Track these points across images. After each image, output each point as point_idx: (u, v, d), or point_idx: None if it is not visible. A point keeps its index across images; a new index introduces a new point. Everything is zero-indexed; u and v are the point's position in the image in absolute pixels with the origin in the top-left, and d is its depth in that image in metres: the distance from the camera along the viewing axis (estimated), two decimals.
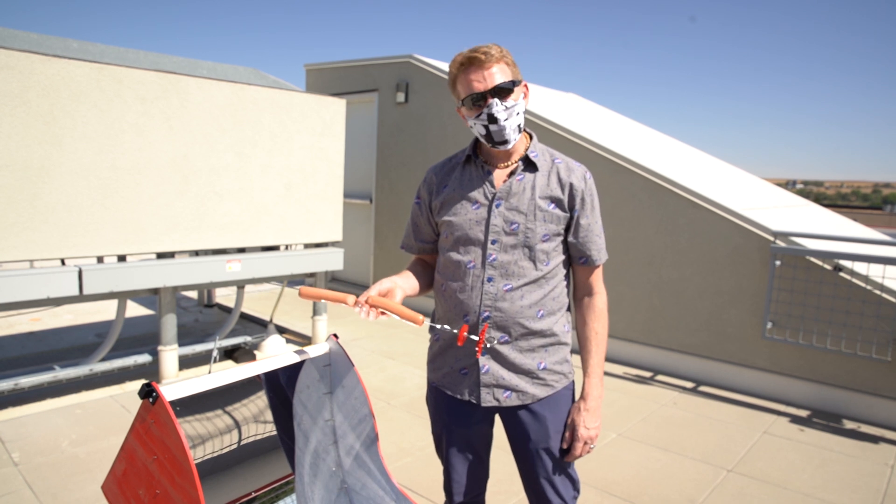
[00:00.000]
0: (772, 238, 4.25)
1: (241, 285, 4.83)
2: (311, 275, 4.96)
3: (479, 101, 1.60)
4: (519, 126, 1.65)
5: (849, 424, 3.93)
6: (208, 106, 3.98)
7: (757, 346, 4.37)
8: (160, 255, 4.03)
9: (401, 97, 6.55)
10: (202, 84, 3.94)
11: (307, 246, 4.84)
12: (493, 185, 1.69)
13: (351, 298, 1.57)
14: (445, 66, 6.38)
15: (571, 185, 1.68)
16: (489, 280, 1.66)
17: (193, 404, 1.68)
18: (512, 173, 1.69)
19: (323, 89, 7.21)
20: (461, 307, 1.69)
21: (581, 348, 1.78)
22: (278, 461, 1.92)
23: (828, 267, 4.05)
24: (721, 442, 3.62)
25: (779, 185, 7.53)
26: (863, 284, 3.93)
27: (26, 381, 3.67)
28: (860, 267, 3.99)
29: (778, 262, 4.18)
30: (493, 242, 1.66)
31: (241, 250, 4.45)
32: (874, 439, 3.72)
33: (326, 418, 1.87)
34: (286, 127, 4.43)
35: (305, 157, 4.59)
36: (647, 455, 3.43)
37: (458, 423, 1.81)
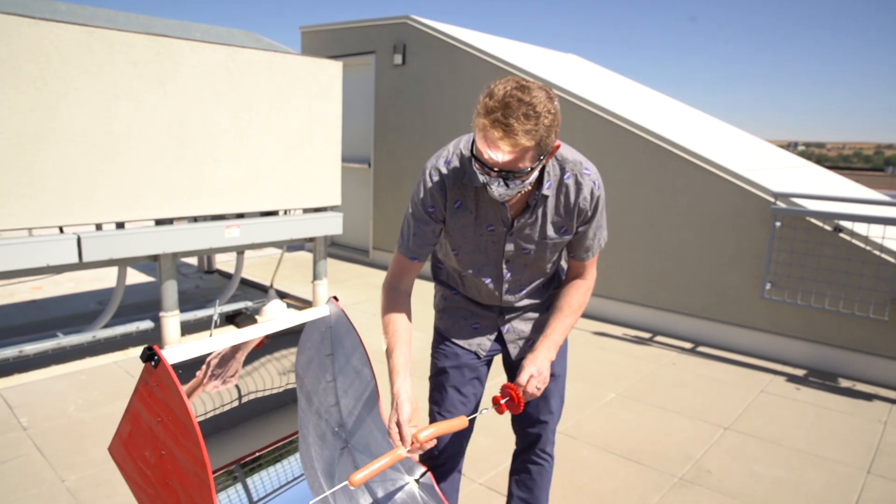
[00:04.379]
0: (772, 199, 4.24)
1: (240, 251, 4.83)
2: (311, 239, 4.96)
3: (485, 165, 1.43)
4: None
5: (844, 383, 3.98)
6: (203, 70, 3.92)
7: (756, 306, 4.39)
8: (159, 222, 4.02)
9: (398, 59, 6.45)
10: (196, 47, 3.87)
11: (306, 211, 4.83)
12: (507, 214, 1.65)
13: (403, 451, 1.52)
14: (443, 28, 6.26)
15: (579, 208, 1.66)
16: (506, 292, 1.81)
17: (196, 369, 1.69)
18: (526, 206, 1.63)
19: (319, 52, 7.09)
20: (478, 298, 1.86)
21: (551, 314, 1.79)
22: (282, 421, 1.94)
23: (828, 228, 4.05)
24: (718, 401, 3.67)
25: (780, 147, 7.47)
26: (862, 245, 3.93)
27: (30, 348, 3.70)
28: (860, 228, 3.98)
29: (778, 224, 4.17)
30: (507, 262, 1.75)
31: (240, 216, 4.44)
32: (868, 397, 3.77)
33: (328, 380, 1.89)
34: (282, 90, 4.37)
35: (303, 121, 4.54)
36: (645, 414, 3.48)
37: (457, 368, 1.90)
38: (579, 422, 3.35)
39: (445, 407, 1.91)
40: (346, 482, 1.43)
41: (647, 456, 3.02)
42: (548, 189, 1.62)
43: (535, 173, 1.47)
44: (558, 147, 1.52)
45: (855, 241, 3.96)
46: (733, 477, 2.86)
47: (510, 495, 2.07)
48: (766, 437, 3.24)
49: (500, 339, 1.91)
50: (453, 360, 1.91)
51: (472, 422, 1.94)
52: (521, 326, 1.90)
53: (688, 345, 4.63)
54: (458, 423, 1.63)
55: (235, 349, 1.71)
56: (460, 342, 1.91)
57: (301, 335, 1.87)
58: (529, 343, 1.90)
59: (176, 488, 1.45)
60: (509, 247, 1.71)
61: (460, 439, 1.95)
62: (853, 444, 3.20)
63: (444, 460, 1.93)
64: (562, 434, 3.20)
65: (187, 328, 4.50)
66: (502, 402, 1.66)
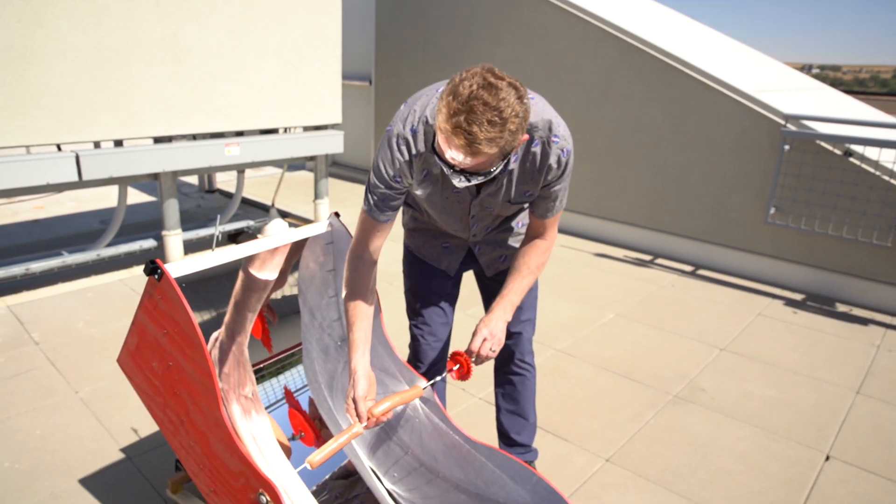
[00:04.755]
0: (782, 121, 4.14)
1: (240, 169, 4.79)
2: (311, 158, 4.91)
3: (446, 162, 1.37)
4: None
5: (841, 307, 4.02)
6: None
7: (758, 231, 4.38)
8: (157, 140, 3.96)
9: None
10: None
11: (306, 129, 4.75)
12: (473, 186, 1.62)
13: (360, 427, 1.55)
14: None
15: (546, 174, 1.60)
16: (473, 235, 1.84)
17: (198, 284, 1.71)
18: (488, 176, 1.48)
19: None
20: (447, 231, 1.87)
21: (509, 274, 1.76)
22: (285, 333, 1.98)
23: (838, 152, 3.97)
24: (716, 323, 3.73)
25: (795, 69, 7.23)
26: (872, 170, 3.87)
27: (37, 266, 3.73)
28: (871, 152, 3.91)
29: (787, 147, 4.10)
30: (472, 217, 1.76)
31: (240, 134, 4.37)
32: (864, 321, 3.83)
33: (330, 295, 1.91)
34: (280, 3, 4.19)
35: (301, 36, 4.38)
36: (642, 334, 3.54)
37: (429, 285, 1.94)
38: (578, 341, 3.42)
39: (423, 320, 1.96)
40: (305, 463, 1.46)
41: (643, 374, 3.10)
42: (514, 163, 1.58)
43: (500, 168, 1.40)
44: (526, 140, 1.44)
45: (864, 166, 3.90)
46: (726, 395, 2.94)
47: (498, 408, 2.14)
48: (761, 359, 3.31)
49: (471, 256, 1.92)
50: (425, 278, 1.94)
51: (446, 348, 1.99)
52: (492, 244, 1.90)
53: (688, 268, 4.66)
54: (412, 393, 1.67)
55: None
56: (430, 261, 1.93)
57: (303, 251, 1.87)
58: (502, 259, 1.91)
59: (184, 397, 1.50)
60: (475, 209, 1.73)
61: (442, 354, 2.01)
62: (846, 366, 3.27)
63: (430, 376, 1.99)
64: (560, 352, 3.27)
65: (190, 247, 4.53)
66: (453, 369, 1.68)
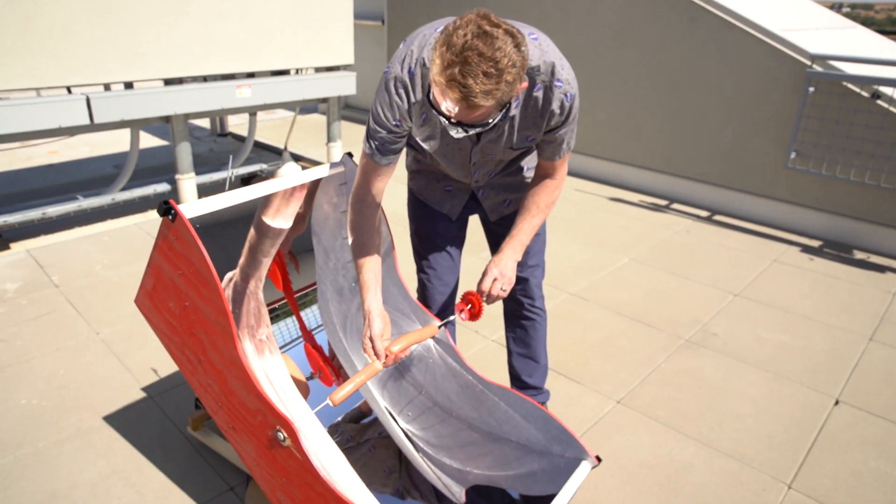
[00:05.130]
0: (808, 62, 4.00)
1: (252, 112, 4.74)
2: (324, 100, 4.84)
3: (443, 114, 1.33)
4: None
5: (859, 255, 3.98)
6: None
7: (777, 176, 4.30)
8: (168, 82, 3.91)
9: None
10: None
11: (318, 70, 4.66)
12: (473, 135, 1.52)
13: (378, 364, 1.56)
14: None
15: (549, 120, 1.55)
16: (476, 181, 1.81)
17: (212, 225, 1.71)
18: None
19: None
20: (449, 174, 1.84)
21: (518, 214, 1.73)
22: (301, 273, 1.99)
23: (865, 94, 3.84)
24: (730, 268, 3.71)
25: (824, 7, 6.93)
26: None
27: (53, 210, 3.76)
28: None
29: (811, 89, 3.97)
30: (474, 164, 1.72)
31: (251, 75, 4.31)
32: (881, 269, 3.78)
33: (344, 236, 1.90)
34: None
35: None
36: (656, 279, 3.54)
37: (433, 227, 1.93)
38: (591, 284, 3.42)
39: (428, 264, 1.96)
40: (327, 401, 1.48)
41: (655, 319, 3.11)
42: (515, 109, 1.52)
43: (499, 116, 1.36)
44: (526, 87, 1.37)
45: (893, 109, 3.77)
46: (739, 340, 2.95)
47: (509, 352, 2.16)
48: (775, 305, 3.30)
49: (475, 200, 1.90)
50: (429, 220, 1.93)
51: (454, 294, 1.99)
52: (496, 188, 1.87)
53: (704, 213, 4.60)
54: (427, 331, 1.67)
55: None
56: (433, 204, 1.91)
57: (317, 192, 1.86)
58: (507, 203, 1.88)
59: (201, 337, 1.52)
60: (475, 156, 1.69)
61: (450, 300, 2.02)
62: (860, 313, 3.25)
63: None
64: (573, 296, 3.28)
65: (203, 191, 4.53)
66: (466, 309, 1.67)
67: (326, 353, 2.02)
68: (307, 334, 1.99)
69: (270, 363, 1.78)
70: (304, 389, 1.91)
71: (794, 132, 4.08)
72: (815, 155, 4.07)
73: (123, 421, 2.27)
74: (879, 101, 3.79)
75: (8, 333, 2.77)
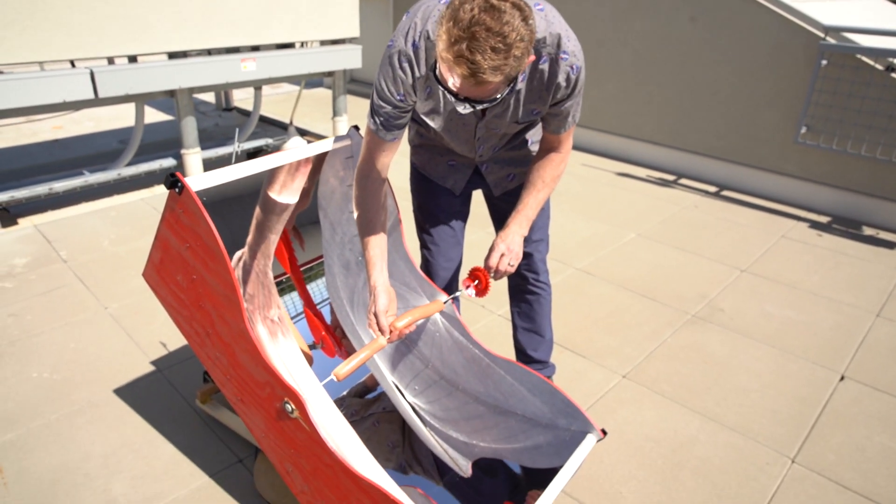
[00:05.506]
0: (822, 34, 3.92)
1: (258, 86, 4.70)
2: (329, 74, 4.80)
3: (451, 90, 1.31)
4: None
5: (868, 231, 3.95)
6: None
7: (787, 150, 4.25)
8: (172, 56, 3.88)
9: None
10: None
11: (323, 43, 4.61)
12: (478, 109, 1.46)
13: (383, 340, 1.56)
14: None
15: (555, 93, 1.52)
16: (480, 155, 1.79)
17: (218, 198, 1.71)
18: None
19: None
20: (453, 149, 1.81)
21: (524, 188, 1.72)
22: (307, 245, 1.99)
23: (879, 67, 3.77)
24: (738, 244, 3.69)
25: None
26: None
27: (60, 185, 3.77)
28: None
29: (824, 62, 3.90)
30: (478, 139, 1.70)
31: (255, 49, 4.27)
32: (890, 245, 3.76)
33: (351, 210, 1.90)
34: None
35: None
36: (663, 254, 3.52)
37: (436, 202, 1.92)
38: (598, 259, 3.42)
39: (432, 240, 1.96)
40: (332, 376, 1.49)
41: (662, 294, 3.10)
42: (521, 82, 1.50)
43: (506, 91, 1.34)
44: (532, 60, 1.36)
45: None
46: (745, 316, 2.94)
47: (514, 326, 2.16)
48: (782, 280, 3.29)
49: (478, 175, 1.88)
50: (432, 195, 1.92)
51: (458, 269, 1.99)
52: (500, 163, 1.85)
53: (712, 188, 4.57)
54: (433, 307, 1.67)
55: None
56: (436, 179, 1.89)
57: (323, 166, 1.85)
58: (511, 178, 1.86)
59: (208, 310, 1.53)
60: (480, 131, 1.67)
61: (455, 275, 2.02)
62: (867, 289, 3.24)
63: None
64: (580, 270, 3.28)
65: (209, 165, 4.52)
66: (473, 285, 1.67)
67: (330, 322, 2.03)
68: (309, 303, 1.99)
69: (284, 347, 1.79)
70: (308, 359, 1.93)
71: (805, 106, 4.02)
72: (826, 129, 4.01)
73: (133, 394, 2.29)
74: (894, 75, 3.73)
75: (18, 308, 2.80)
